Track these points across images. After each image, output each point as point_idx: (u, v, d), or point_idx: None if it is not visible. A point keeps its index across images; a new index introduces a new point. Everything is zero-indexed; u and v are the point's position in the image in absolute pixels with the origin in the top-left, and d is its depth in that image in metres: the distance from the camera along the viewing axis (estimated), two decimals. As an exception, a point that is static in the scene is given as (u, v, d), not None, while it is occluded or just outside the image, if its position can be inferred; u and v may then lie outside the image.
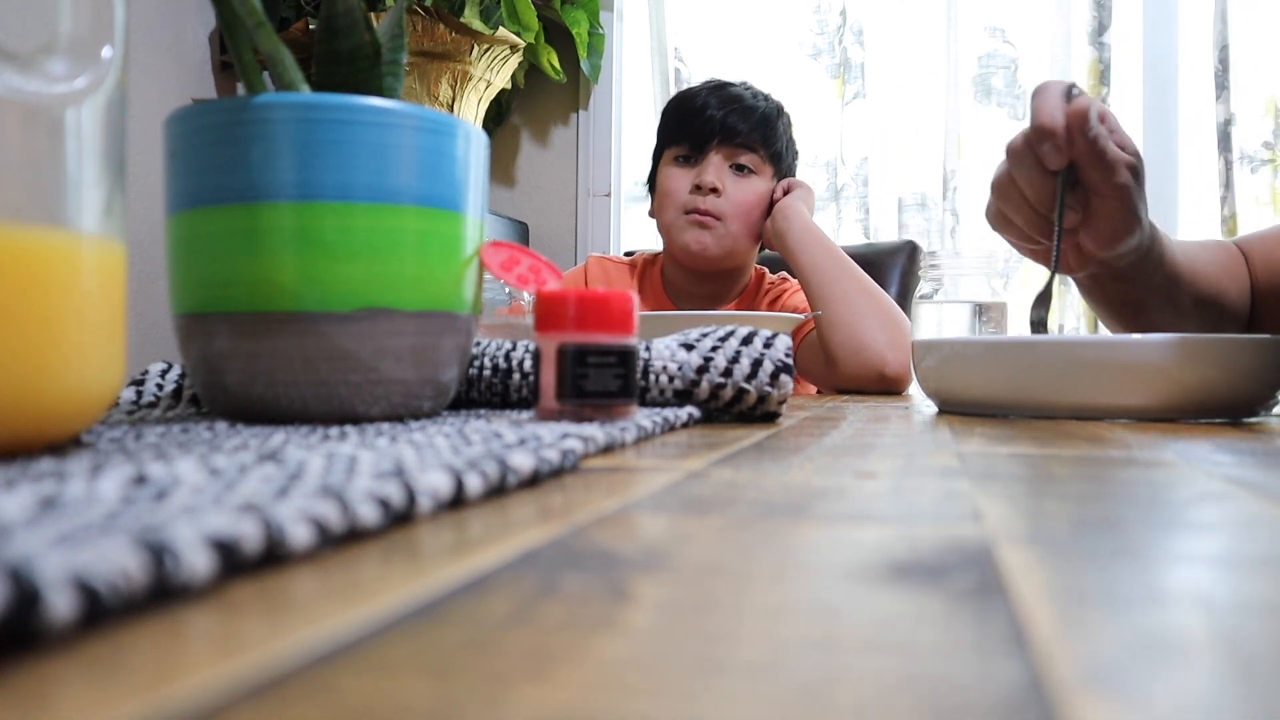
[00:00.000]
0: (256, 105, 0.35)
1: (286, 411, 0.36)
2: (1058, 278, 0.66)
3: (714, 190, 1.07)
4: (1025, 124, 0.64)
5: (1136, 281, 0.71)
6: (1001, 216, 0.69)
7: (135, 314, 1.52)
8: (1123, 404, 0.53)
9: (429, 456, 0.24)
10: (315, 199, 0.35)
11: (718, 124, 1.08)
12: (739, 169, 1.09)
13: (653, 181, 1.18)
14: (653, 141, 1.19)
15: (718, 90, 1.11)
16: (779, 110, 1.13)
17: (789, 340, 0.46)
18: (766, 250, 1.15)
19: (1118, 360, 0.52)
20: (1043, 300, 0.65)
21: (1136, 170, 0.63)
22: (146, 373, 0.47)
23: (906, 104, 1.99)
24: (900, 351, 0.96)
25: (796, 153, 1.17)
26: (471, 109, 1.75)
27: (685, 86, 2.05)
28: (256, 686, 0.10)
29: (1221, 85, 1.75)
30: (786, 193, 1.09)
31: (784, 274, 1.18)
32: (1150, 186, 0.67)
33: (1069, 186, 0.64)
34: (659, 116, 1.18)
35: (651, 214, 1.18)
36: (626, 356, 0.38)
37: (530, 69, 2.00)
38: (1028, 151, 0.63)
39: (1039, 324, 0.65)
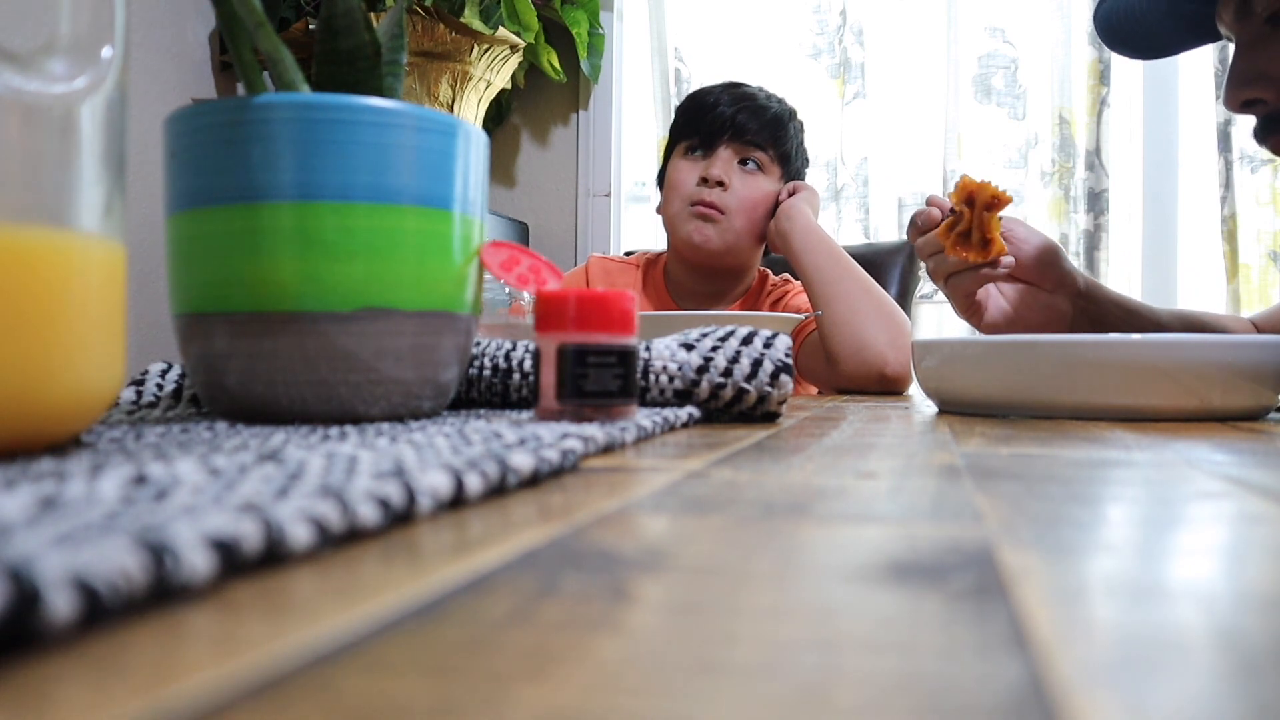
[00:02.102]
0: (256, 105, 0.35)
1: (286, 411, 0.36)
2: None
3: (720, 184, 1.08)
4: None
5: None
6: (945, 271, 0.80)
7: (135, 314, 1.52)
8: (1123, 404, 0.53)
9: (429, 456, 0.24)
10: (315, 199, 0.35)
11: (728, 120, 1.09)
12: (746, 165, 1.10)
13: (663, 179, 1.18)
14: (652, 142, 1.20)
15: (731, 89, 1.13)
16: (791, 114, 1.14)
17: (789, 340, 0.46)
18: (772, 254, 1.15)
19: (1118, 360, 0.52)
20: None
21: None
22: (146, 373, 0.47)
23: (906, 104, 1.99)
24: (901, 351, 0.97)
25: (807, 160, 1.18)
26: (471, 109, 1.74)
27: (685, 86, 2.04)
28: (256, 686, 0.10)
29: (1221, 85, 1.74)
30: (792, 194, 1.10)
31: (786, 275, 1.19)
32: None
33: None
34: (670, 116, 1.18)
35: (659, 210, 1.18)
36: (626, 356, 0.38)
37: (530, 69, 2.00)
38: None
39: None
